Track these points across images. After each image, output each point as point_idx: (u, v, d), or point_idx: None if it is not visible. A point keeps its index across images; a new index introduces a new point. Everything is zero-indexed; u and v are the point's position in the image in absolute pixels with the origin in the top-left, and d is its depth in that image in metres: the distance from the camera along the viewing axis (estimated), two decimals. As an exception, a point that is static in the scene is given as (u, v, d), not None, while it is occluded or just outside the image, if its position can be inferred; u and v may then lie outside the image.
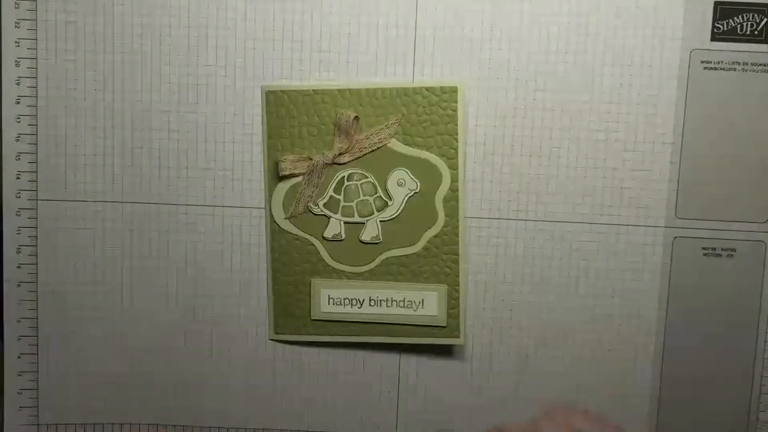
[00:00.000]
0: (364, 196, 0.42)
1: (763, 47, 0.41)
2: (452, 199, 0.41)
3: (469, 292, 0.42)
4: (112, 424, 0.44)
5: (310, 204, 0.42)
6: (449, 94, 0.41)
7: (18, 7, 0.41)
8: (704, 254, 0.42)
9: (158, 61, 0.41)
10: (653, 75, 0.41)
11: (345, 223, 0.42)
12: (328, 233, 0.42)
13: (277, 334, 0.43)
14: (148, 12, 0.41)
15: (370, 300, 0.42)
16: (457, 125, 0.41)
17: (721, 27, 0.41)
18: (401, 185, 0.41)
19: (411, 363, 0.43)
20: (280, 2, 0.41)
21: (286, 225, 0.42)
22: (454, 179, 0.41)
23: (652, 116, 0.41)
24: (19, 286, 0.43)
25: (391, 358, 0.43)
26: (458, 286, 0.42)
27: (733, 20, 0.41)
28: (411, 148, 0.41)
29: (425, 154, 0.41)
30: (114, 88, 0.42)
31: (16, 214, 0.42)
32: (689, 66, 0.41)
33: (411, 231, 0.42)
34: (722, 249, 0.42)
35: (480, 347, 0.43)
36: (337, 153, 0.41)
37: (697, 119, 0.41)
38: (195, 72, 0.41)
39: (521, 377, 0.43)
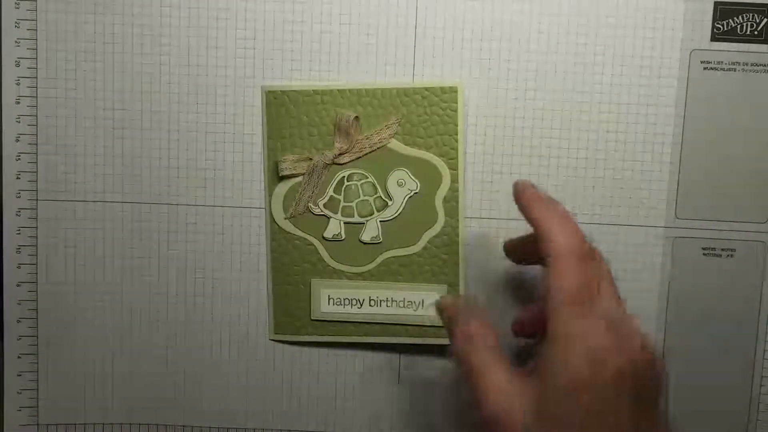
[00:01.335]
0: (364, 196, 0.41)
1: (763, 47, 0.41)
2: (452, 199, 0.41)
3: (468, 293, 0.42)
4: (112, 424, 0.44)
5: (310, 204, 0.42)
6: (449, 94, 0.41)
7: (18, 7, 0.41)
8: (704, 254, 0.42)
9: (158, 61, 0.41)
10: (653, 75, 0.41)
11: (345, 223, 0.42)
12: (328, 233, 0.42)
13: (277, 334, 0.43)
14: (148, 12, 0.41)
15: (370, 300, 0.42)
16: (457, 125, 0.41)
17: (721, 27, 0.41)
18: (401, 185, 0.41)
19: (411, 363, 0.43)
20: (279, 2, 0.41)
21: (286, 225, 0.42)
22: (454, 179, 0.41)
23: (652, 116, 0.41)
24: (19, 286, 0.43)
25: (391, 358, 0.43)
26: (458, 286, 0.42)
27: (733, 20, 0.40)
28: (411, 148, 0.41)
29: (425, 154, 0.41)
30: (114, 88, 0.42)
31: (16, 214, 0.42)
32: (689, 66, 0.41)
33: (411, 231, 0.42)
34: (722, 249, 0.42)
35: (480, 347, 0.43)
36: (337, 153, 0.41)
37: (697, 119, 0.41)
38: (195, 72, 0.41)
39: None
